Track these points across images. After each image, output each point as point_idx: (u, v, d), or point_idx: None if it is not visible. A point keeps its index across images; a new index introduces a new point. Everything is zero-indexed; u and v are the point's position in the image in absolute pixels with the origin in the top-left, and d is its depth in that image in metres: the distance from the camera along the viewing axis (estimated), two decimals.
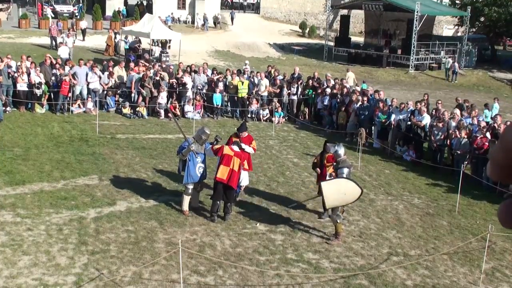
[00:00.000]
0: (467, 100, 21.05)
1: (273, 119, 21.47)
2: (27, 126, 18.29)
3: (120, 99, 21.90)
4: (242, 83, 22.24)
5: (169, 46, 33.70)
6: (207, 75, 23.07)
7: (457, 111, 18.21)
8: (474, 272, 10.19)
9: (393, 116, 18.48)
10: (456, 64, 37.59)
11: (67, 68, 21.35)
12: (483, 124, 16.47)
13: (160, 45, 33.28)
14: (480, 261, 10.28)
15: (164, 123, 20.57)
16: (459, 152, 16.05)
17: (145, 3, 51.84)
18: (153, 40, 32.58)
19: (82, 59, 22.76)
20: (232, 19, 51.18)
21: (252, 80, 22.89)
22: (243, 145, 12.34)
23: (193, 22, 48.79)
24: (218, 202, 11.70)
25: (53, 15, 41.46)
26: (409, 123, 18.08)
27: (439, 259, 10.61)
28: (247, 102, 22.35)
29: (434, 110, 18.76)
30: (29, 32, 38.77)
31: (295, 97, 22.70)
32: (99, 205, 11.96)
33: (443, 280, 9.82)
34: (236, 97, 22.39)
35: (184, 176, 11.78)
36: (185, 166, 11.77)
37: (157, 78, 21.74)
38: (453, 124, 16.91)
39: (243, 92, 22.16)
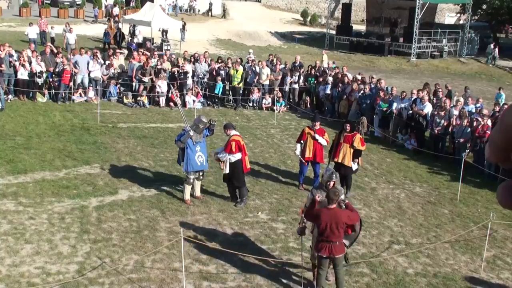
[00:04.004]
0: (436, 85, 20.92)
1: (275, 108, 21.43)
2: (29, 115, 18.28)
3: (122, 88, 21.87)
4: (237, 71, 22.09)
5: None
6: (208, 64, 23.01)
7: (461, 99, 18.17)
8: (476, 260, 10.21)
9: (394, 105, 18.44)
10: (496, 50, 38.58)
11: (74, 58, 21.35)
12: (484, 111, 16.43)
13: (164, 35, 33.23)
14: (482, 249, 10.30)
15: (165, 112, 20.55)
16: (461, 140, 16.04)
17: None
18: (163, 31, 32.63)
19: (83, 47, 22.71)
20: (209, 10, 48.93)
21: (253, 68, 22.79)
22: (317, 136, 12.89)
23: (209, 11, 48.52)
24: None
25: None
26: (410, 112, 18.04)
27: (440, 248, 10.63)
28: (240, 91, 22.24)
29: (435, 99, 18.73)
30: (30, 20, 38.57)
31: (296, 86, 22.64)
32: (101, 194, 11.99)
33: (445, 268, 9.85)
34: (233, 86, 22.28)
35: (184, 164, 11.81)
36: (184, 156, 11.78)
37: (159, 67, 21.67)
38: (455, 112, 16.89)
39: (237, 80, 22.01)
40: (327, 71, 22.83)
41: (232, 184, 12.11)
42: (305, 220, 9.01)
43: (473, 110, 17.34)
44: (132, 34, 32.07)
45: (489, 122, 15.67)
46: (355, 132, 12.92)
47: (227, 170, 11.88)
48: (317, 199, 8.33)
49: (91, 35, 36.10)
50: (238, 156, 11.82)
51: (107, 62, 21.75)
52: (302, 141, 13.09)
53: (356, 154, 12.71)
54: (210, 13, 48.66)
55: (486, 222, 10.49)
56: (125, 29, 32.76)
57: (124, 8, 43.84)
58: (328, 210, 7.98)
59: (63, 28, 30.89)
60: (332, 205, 8.03)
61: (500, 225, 11.64)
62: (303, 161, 13.12)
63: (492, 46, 38.63)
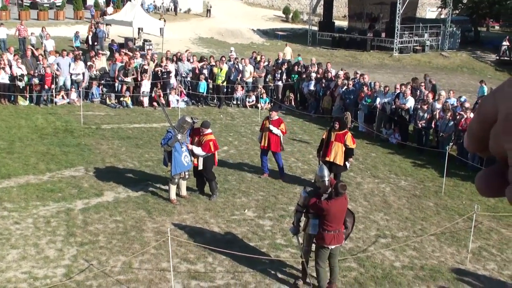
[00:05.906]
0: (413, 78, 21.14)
1: (259, 105, 21.44)
2: (11, 119, 18.10)
3: (104, 89, 21.71)
4: (221, 69, 22.09)
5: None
6: (191, 63, 22.93)
7: (443, 93, 18.31)
8: (461, 252, 10.32)
9: (378, 100, 18.54)
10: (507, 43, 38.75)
11: (51, 58, 21.16)
12: (467, 105, 16.58)
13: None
14: (467, 241, 10.41)
15: (149, 112, 20.47)
16: (443, 134, 16.16)
17: None
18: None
19: (65, 49, 22.53)
20: (175, 8, 48.06)
21: (236, 66, 22.78)
22: (271, 127, 13.18)
23: (175, 9, 48.25)
24: None
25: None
26: (393, 106, 18.14)
27: (426, 240, 10.72)
28: (224, 90, 22.25)
29: (418, 92, 18.85)
30: (9, 23, 38.14)
31: (280, 83, 22.67)
32: (86, 196, 11.92)
33: (431, 260, 9.94)
34: (216, 84, 22.26)
35: (172, 167, 11.73)
36: (170, 157, 11.73)
37: (146, 67, 21.54)
38: (438, 106, 17.02)
39: (221, 79, 22.01)
40: (310, 67, 22.87)
41: (202, 178, 12.39)
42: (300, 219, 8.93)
43: (455, 103, 17.49)
44: (94, 36, 31.53)
45: (472, 115, 15.81)
46: (346, 130, 12.86)
47: (201, 167, 12.10)
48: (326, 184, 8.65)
49: (71, 36, 35.70)
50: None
51: (88, 64, 21.57)
52: (261, 131, 13.68)
53: (349, 153, 12.74)
54: (175, 12, 48.12)
55: (471, 214, 10.59)
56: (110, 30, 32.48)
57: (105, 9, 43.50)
58: (336, 201, 8.34)
59: (40, 34, 29.90)
60: (338, 197, 8.38)
61: (485, 216, 11.77)
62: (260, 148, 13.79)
63: (506, 40, 39.00)
